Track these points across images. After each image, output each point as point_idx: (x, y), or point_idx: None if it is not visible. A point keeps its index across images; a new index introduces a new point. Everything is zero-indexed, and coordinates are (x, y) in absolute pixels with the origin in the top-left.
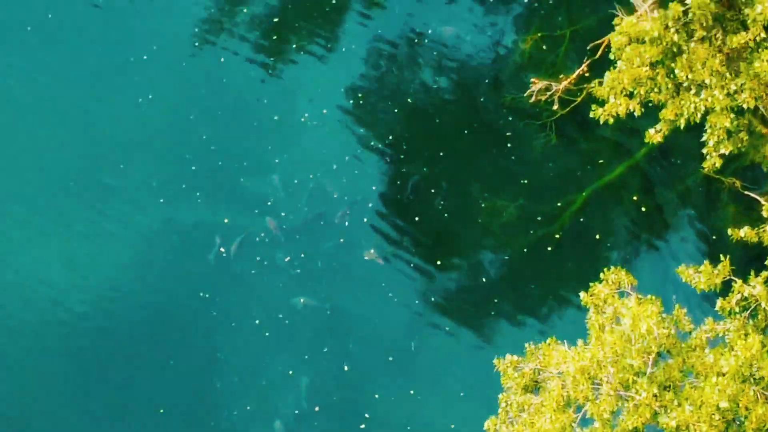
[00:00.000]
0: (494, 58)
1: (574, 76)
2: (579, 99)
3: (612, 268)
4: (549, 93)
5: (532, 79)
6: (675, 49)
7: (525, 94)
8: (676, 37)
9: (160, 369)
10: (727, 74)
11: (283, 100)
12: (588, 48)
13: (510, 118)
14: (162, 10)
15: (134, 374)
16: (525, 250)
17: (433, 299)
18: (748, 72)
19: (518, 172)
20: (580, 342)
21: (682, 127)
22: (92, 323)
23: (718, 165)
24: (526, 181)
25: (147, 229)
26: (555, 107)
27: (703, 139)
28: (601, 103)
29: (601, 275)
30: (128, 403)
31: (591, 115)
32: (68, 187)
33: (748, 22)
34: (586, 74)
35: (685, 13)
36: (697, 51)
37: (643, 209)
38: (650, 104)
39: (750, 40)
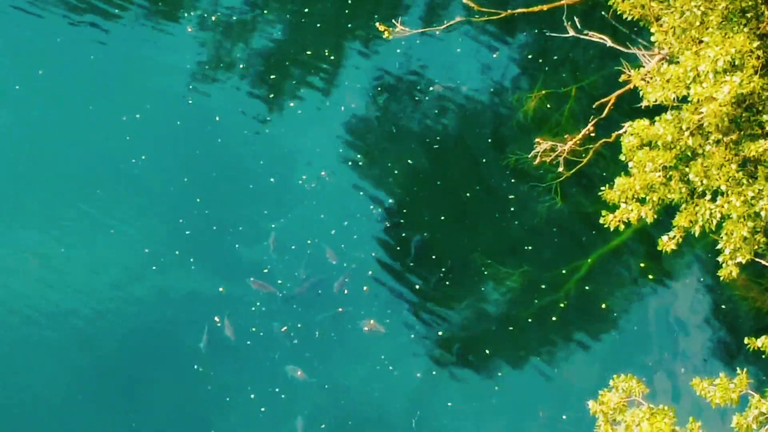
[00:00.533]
0: (496, 116)
1: (580, 136)
2: (585, 160)
3: (622, 375)
4: (554, 154)
5: (536, 140)
6: (689, 153)
7: (529, 156)
8: (690, 141)
9: None
10: (744, 180)
11: (280, 161)
12: (594, 106)
13: (513, 181)
14: (154, 67)
15: None
16: (529, 320)
17: (434, 372)
18: (766, 177)
19: (522, 237)
20: None
21: (696, 234)
22: (78, 395)
23: (734, 274)
24: (529, 247)
25: (138, 299)
26: (560, 169)
27: (719, 246)
28: (611, 207)
29: (611, 382)
30: None
31: (601, 221)
32: (57, 252)
33: (767, 128)
34: (593, 134)
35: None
36: (713, 155)
37: (650, 277)
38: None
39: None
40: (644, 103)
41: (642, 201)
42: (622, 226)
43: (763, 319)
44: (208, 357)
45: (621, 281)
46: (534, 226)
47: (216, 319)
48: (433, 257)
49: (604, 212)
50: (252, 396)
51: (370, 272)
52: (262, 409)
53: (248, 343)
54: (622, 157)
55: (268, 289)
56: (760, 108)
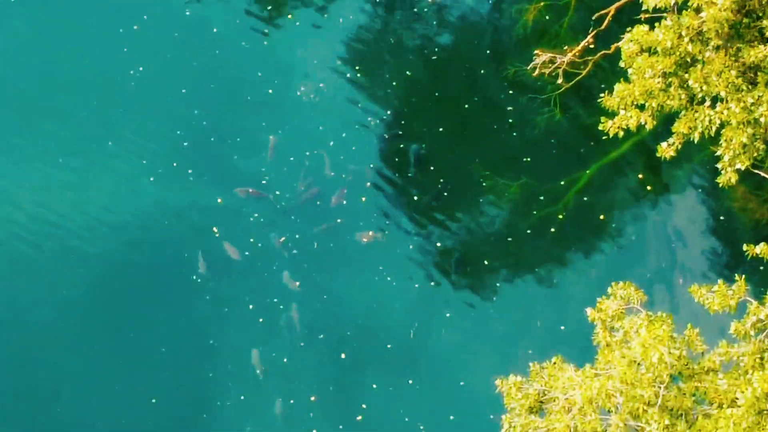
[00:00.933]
0: (495, 28)
1: (579, 47)
2: (584, 72)
3: (621, 283)
4: (553, 66)
5: (536, 51)
6: (689, 60)
7: (528, 67)
8: (690, 48)
9: (152, 357)
10: (744, 87)
11: (278, 73)
12: (593, 18)
13: (512, 92)
14: None
15: (125, 362)
16: (528, 231)
17: (432, 283)
18: (766, 84)
19: (520, 148)
20: (587, 366)
21: (695, 141)
22: (77, 309)
23: (733, 180)
24: (528, 159)
25: (135, 211)
26: (559, 81)
27: (718, 153)
28: (611, 114)
29: (609, 290)
30: (119, 393)
31: (600, 127)
32: (55, 163)
33: (767, 34)
34: (592, 46)
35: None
36: (713, 62)
37: (649, 188)
38: (663, 112)
39: (767, 55)
40: (643, 11)
41: (641, 108)
42: (621, 133)
43: (762, 230)
44: (207, 268)
45: (619, 193)
46: (533, 138)
47: (214, 229)
48: (432, 168)
49: (603, 119)
50: (250, 307)
51: (368, 184)
52: (260, 320)
53: (246, 253)
54: (621, 64)
55: (258, 194)
56: (761, 14)
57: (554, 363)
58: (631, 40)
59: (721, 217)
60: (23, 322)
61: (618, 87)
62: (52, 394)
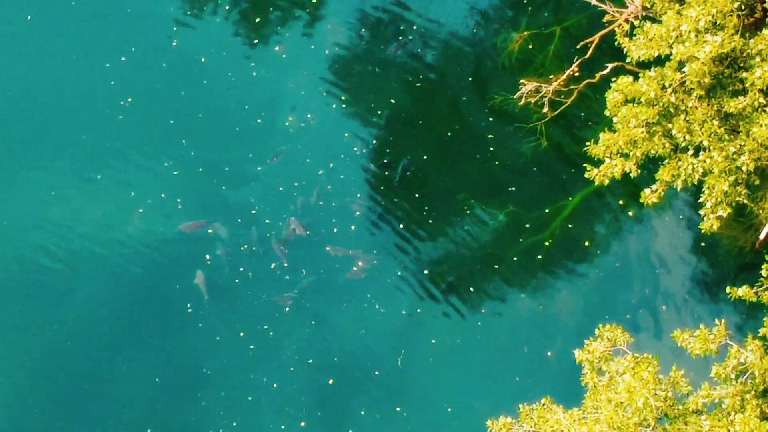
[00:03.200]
0: (480, 57)
1: (565, 76)
2: (569, 101)
3: (608, 325)
4: (539, 95)
5: (521, 81)
6: (672, 110)
7: (515, 97)
8: (673, 98)
9: (146, 387)
10: (726, 136)
11: (265, 104)
12: (578, 47)
13: (494, 120)
14: (137, 10)
15: (120, 393)
16: (515, 258)
17: (419, 310)
18: (747, 133)
19: (506, 177)
20: (575, 410)
21: (679, 189)
22: (67, 343)
23: (715, 227)
24: (513, 188)
25: (125, 242)
26: (545, 110)
27: (701, 200)
28: (596, 162)
29: (597, 331)
30: (114, 423)
31: (586, 175)
32: (48, 198)
33: (747, 85)
34: (576, 74)
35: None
36: (695, 111)
37: (631, 214)
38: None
39: (748, 105)
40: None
41: (626, 156)
42: (606, 182)
43: (745, 257)
44: (199, 297)
45: (603, 220)
46: (516, 167)
47: (207, 257)
48: (416, 196)
49: (588, 167)
50: (241, 334)
51: (357, 213)
52: (251, 347)
53: (236, 281)
54: (606, 113)
55: (200, 226)
56: (741, 64)
57: (543, 404)
58: (616, 90)
59: (703, 243)
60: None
61: (603, 136)
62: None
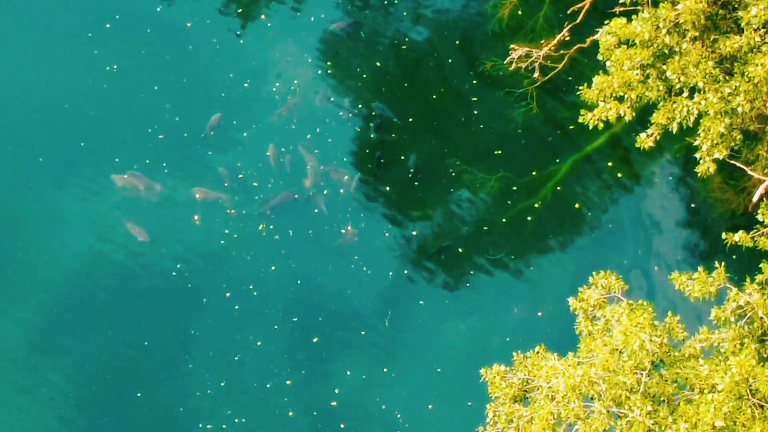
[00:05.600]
0: (468, 23)
1: (555, 41)
2: (560, 66)
3: (602, 272)
4: (530, 60)
5: (512, 46)
6: (666, 51)
7: (505, 62)
8: (667, 39)
9: (135, 351)
10: (721, 77)
11: (251, 72)
12: (568, 12)
13: (482, 85)
14: None
15: (109, 358)
16: (504, 221)
17: (407, 272)
18: (742, 74)
19: (494, 141)
20: (570, 355)
21: (674, 131)
22: (56, 306)
23: (711, 170)
24: (500, 152)
25: (111, 205)
26: (536, 75)
27: (696, 143)
28: (590, 107)
29: (590, 279)
30: (104, 388)
31: (580, 120)
32: (35, 163)
33: (742, 24)
34: (567, 39)
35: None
36: (690, 53)
37: (622, 177)
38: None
39: (744, 45)
40: (620, 3)
41: (620, 99)
42: (600, 125)
43: (738, 219)
44: (185, 260)
45: (594, 183)
46: (506, 131)
47: (195, 218)
48: (402, 158)
49: (583, 111)
50: (227, 295)
51: (345, 177)
52: (236, 307)
53: (222, 242)
54: (599, 56)
55: (214, 196)
56: (736, 5)
57: (537, 352)
58: (609, 33)
59: (694, 206)
60: None
61: (597, 79)
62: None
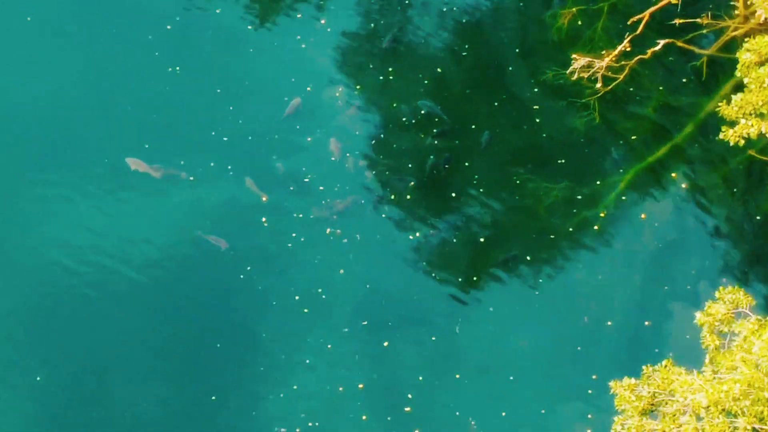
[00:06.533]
0: (527, 31)
1: (617, 51)
2: (621, 76)
3: (729, 287)
4: (591, 70)
5: (573, 56)
6: None
7: (567, 72)
8: None
9: (208, 354)
10: None
11: (313, 76)
12: (628, 23)
13: (540, 92)
14: None
15: (182, 363)
16: (570, 229)
17: (476, 278)
18: None
19: (553, 149)
20: (706, 369)
21: None
22: (127, 310)
23: None
24: (563, 161)
25: (176, 210)
26: (598, 85)
27: None
28: (731, 123)
29: (717, 294)
30: (178, 394)
31: (721, 136)
32: (101, 163)
33: None
34: (628, 50)
35: None
36: None
37: (684, 186)
38: None
39: None
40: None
41: (761, 116)
42: (742, 142)
43: None
44: (253, 262)
45: (658, 193)
46: (568, 140)
47: (263, 219)
48: (467, 164)
49: (724, 127)
50: (296, 298)
51: (411, 183)
52: (305, 310)
53: (289, 245)
54: (737, 73)
55: (219, 243)
56: None
57: (665, 366)
58: (749, 50)
59: (759, 218)
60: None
61: (738, 96)
62: (104, 394)
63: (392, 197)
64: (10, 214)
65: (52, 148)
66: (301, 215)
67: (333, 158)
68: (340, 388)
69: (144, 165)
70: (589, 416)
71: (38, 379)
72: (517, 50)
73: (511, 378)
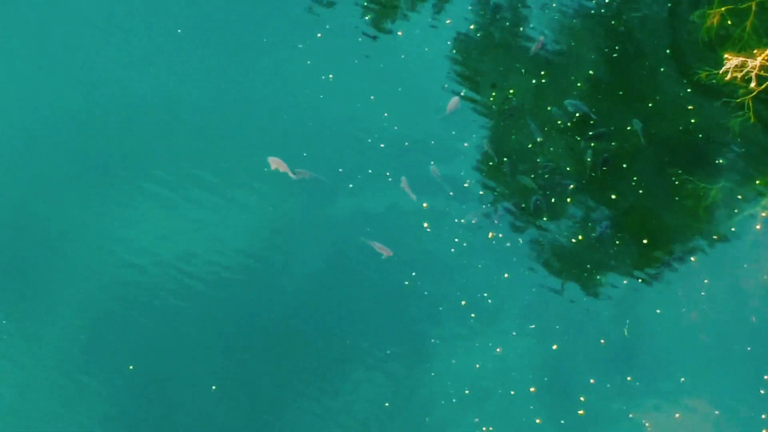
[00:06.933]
0: (676, 31)
1: None
2: None
3: None
4: (744, 70)
5: (726, 55)
6: None
7: (720, 72)
8: None
9: (377, 360)
10: None
11: (465, 81)
12: None
13: (693, 92)
14: None
15: (356, 372)
16: (733, 229)
17: (640, 281)
18: None
19: (710, 149)
20: None
21: None
22: (293, 321)
23: None
24: (720, 161)
25: (337, 218)
26: (752, 85)
27: None
28: None
29: None
30: (348, 401)
31: None
32: (260, 175)
33: None
34: None
35: None
36: None
37: None
38: None
39: None
40: None
41: None
42: None
43: None
44: (417, 268)
45: None
46: (725, 141)
47: (425, 225)
48: (624, 166)
49: None
50: (462, 303)
51: (571, 186)
52: (472, 315)
53: (452, 251)
54: None
55: (383, 251)
56: None
57: None
58: None
59: None
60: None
61: None
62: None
63: (552, 200)
64: (135, 211)
65: (207, 149)
66: (462, 220)
67: (491, 163)
68: (512, 392)
69: (284, 165)
70: (763, 416)
71: (130, 368)
72: (667, 51)
73: (683, 380)
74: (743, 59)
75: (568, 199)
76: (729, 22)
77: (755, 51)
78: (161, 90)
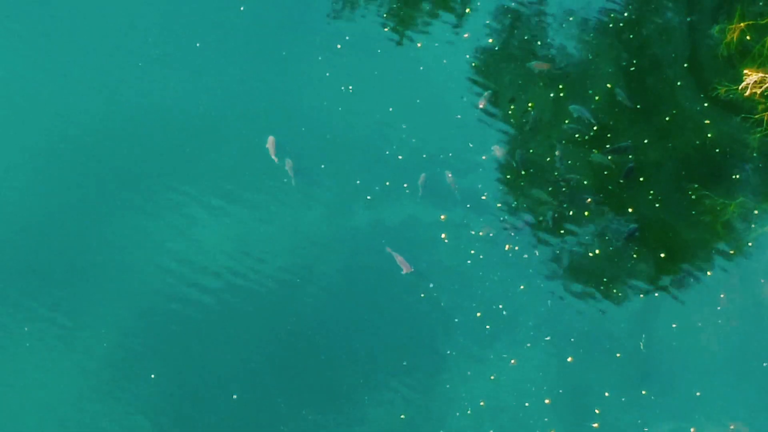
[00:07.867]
0: (695, 45)
1: None
2: None
3: None
4: (764, 86)
5: (745, 71)
6: None
7: (740, 87)
8: None
9: (390, 375)
10: None
11: (494, 95)
12: None
13: (710, 107)
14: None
15: (373, 380)
16: (750, 244)
17: (657, 295)
18: None
19: (727, 164)
20: None
21: None
22: (311, 332)
23: None
24: (737, 176)
25: (354, 230)
26: None
27: None
28: None
29: None
30: (365, 413)
31: None
32: (281, 187)
33: None
34: None
35: None
36: None
37: None
38: None
39: None
40: None
41: None
42: None
43: None
44: (434, 279)
45: None
46: (743, 157)
47: (443, 236)
48: (641, 179)
49: None
50: (478, 314)
51: (588, 200)
52: (487, 327)
53: (468, 262)
54: None
55: (404, 266)
56: None
57: None
58: None
59: None
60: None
61: None
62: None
63: (570, 213)
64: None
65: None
66: (480, 233)
67: (509, 176)
68: (527, 404)
69: (273, 149)
70: None
71: (152, 376)
72: (685, 65)
73: (698, 394)
74: (762, 75)
75: (586, 213)
76: (748, 38)
77: None
78: (180, 104)
